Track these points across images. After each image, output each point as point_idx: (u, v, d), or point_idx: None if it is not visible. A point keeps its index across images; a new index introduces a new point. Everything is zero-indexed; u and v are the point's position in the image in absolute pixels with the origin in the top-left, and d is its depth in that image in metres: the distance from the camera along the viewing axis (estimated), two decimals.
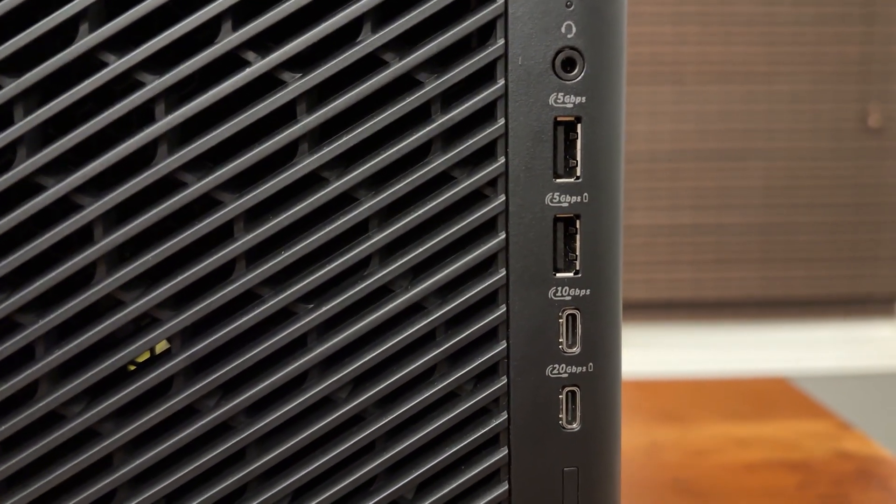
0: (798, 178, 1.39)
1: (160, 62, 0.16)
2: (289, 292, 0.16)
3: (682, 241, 1.31)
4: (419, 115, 0.16)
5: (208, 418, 0.16)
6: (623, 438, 0.59)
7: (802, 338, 1.46)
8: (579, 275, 0.17)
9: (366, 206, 0.16)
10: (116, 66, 0.15)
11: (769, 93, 1.36)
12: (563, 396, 0.17)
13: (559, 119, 0.16)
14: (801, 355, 1.34)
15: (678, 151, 1.29)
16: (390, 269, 0.16)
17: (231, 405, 0.16)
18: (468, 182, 0.16)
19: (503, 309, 0.17)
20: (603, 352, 0.17)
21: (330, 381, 0.17)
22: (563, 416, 0.17)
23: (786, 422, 0.66)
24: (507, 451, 0.17)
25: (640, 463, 0.58)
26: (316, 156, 0.16)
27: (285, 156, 0.16)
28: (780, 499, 0.53)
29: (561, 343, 0.17)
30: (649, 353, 1.28)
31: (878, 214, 1.44)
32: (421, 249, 0.16)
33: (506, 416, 0.17)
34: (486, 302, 0.17)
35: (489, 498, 0.17)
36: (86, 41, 0.15)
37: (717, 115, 1.36)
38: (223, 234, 0.16)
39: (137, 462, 0.16)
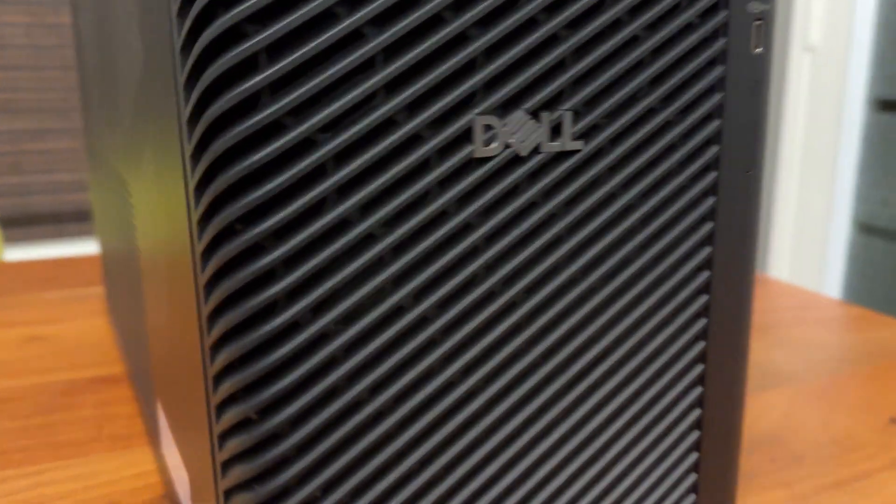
0: None
1: None
2: None
3: None
4: None
5: None
6: None
7: None
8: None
9: None
10: None
11: None
12: (752, 28, 0.24)
13: None
14: None
15: None
16: None
17: None
18: None
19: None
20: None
21: None
22: (753, 43, 0.24)
23: None
24: (724, 67, 0.23)
25: None
26: None
27: None
28: None
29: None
30: None
31: None
32: None
33: (725, 39, 0.23)
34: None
35: (711, 103, 0.23)
36: None
37: None
38: None
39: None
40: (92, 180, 0.55)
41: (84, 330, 0.60)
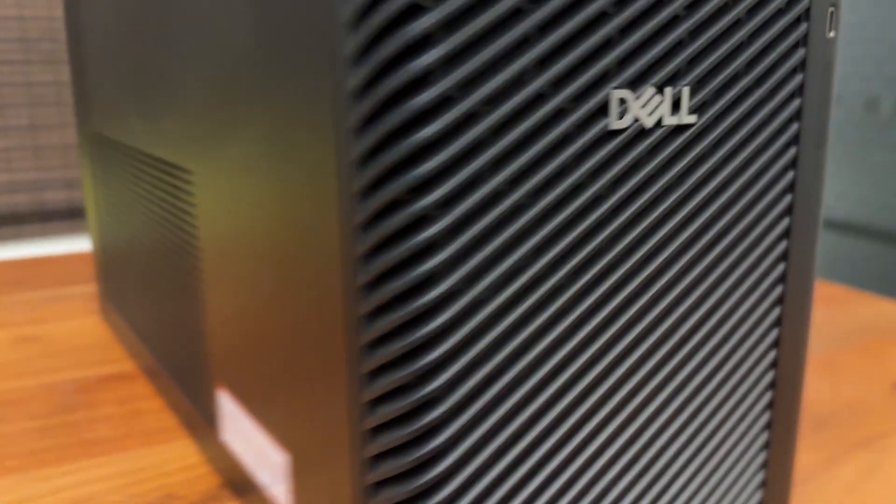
0: None
1: None
2: None
3: None
4: None
5: None
6: None
7: None
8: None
9: None
10: None
11: None
12: (827, 13, 0.25)
13: None
14: None
15: None
16: None
17: None
18: None
19: None
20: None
21: None
22: (827, 28, 0.26)
23: None
24: (805, 50, 0.25)
25: None
26: None
27: None
28: None
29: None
30: None
31: None
32: None
33: (807, 24, 0.25)
34: None
35: (795, 83, 0.25)
36: None
37: None
38: None
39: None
40: (93, 174, 0.53)
41: (76, 330, 0.58)
